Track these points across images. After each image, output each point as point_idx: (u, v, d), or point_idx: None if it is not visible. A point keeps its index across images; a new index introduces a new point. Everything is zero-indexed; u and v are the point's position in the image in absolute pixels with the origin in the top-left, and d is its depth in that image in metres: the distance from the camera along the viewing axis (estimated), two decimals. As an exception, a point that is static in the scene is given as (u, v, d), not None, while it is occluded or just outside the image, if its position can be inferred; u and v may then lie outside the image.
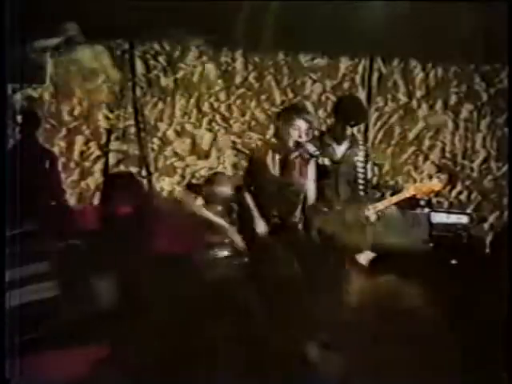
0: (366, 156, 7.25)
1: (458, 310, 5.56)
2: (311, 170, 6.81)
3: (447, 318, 4.98)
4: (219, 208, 6.84)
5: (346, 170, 7.02)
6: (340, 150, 7.03)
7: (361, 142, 7.22)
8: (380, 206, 6.91)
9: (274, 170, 6.80)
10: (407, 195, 6.97)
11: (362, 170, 7.06)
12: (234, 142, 9.26)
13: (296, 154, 6.78)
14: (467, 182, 9.58)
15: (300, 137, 6.73)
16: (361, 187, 7.05)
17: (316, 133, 7.09)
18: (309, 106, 9.15)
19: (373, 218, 6.86)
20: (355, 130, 7.05)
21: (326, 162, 6.99)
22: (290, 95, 9.43)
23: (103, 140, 8.96)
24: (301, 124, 6.75)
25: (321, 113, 9.41)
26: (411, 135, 9.63)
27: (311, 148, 6.68)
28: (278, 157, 6.82)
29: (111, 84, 9.23)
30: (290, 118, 6.78)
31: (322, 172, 6.89)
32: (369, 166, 7.17)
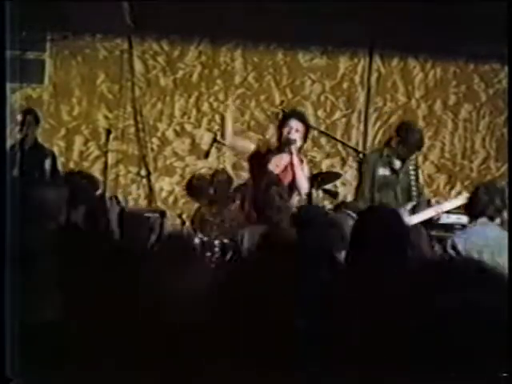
0: (416, 165, 7.46)
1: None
2: (304, 167, 7.16)
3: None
4: None
5: (403, 178, 7.37)
6: (397, 161, 7.40)
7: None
8: (430, 212, 7.12)
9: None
10: (459, 203, 7.15)
11: (414, 178, 7.40)
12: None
13: (285, 150, 7.05)
14: (466, 183, 9.57)
15: (289, 133, 7.04)
16: (414, 194, 7.36)
17: (312, 133, 7.40)
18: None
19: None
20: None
21: (387, 172, 7.32)
22: (290, 95, 9.42)
23: (102, 140, 8.95)
24: (292, 123, 7.09)
25: (320, 113, 9.41)
26: (410, 135, 9.61)
27: (292, 136, 6.98)
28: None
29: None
30: (286, 120, 7.20)
31: (382, 181, 7.30)
32: (420, 174, 7.48)
